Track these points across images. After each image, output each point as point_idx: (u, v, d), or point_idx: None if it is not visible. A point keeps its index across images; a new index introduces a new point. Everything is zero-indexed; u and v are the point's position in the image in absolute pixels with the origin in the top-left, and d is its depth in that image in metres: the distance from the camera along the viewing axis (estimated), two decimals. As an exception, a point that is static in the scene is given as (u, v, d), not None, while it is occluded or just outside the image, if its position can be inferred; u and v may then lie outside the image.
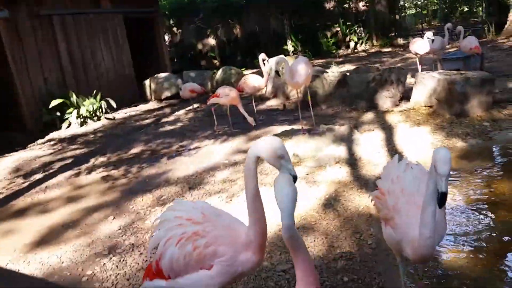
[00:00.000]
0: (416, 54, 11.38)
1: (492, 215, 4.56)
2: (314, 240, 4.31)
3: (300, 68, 6.67)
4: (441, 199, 2.22)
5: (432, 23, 31.19)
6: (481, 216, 4.54)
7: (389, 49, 19.83)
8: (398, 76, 8.95)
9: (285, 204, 2.03)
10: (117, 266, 4.31)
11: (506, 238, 4.12)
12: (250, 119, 8.53)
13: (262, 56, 8.78)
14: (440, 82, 7.73)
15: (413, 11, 34.79)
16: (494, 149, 6.39)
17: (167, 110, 12.44)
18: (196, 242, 2.48)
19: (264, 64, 8.86)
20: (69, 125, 11.14)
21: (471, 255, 3.94)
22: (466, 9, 30.60)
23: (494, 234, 4.21)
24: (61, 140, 10.19)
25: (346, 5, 21.37)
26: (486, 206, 4.75)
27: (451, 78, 7.62)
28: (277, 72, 7.73)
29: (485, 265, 3.78)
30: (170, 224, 2.62)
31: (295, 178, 2.34)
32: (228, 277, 2.48)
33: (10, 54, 10.55)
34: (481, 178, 5.44)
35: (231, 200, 5.49)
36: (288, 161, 2.43)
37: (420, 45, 10.87)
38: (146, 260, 4.20)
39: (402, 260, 2.93)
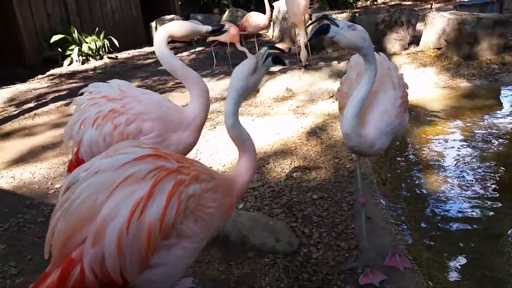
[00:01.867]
0: None
1: (484, 147, 4.28)
2: (291, 163, 4.10)
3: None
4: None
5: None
6: (474, 149, 4.27)
7: (410, 2, 18.96)
8: (408, 17, 8.45)
9: (230, 87, 1.90)
10: (86, 181, 4.19)
11: (491, 166, 3.86)
12: (250, 56, 8.26)
13: None
14: (450, 22, 7.26)
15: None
16: (498, 90, 6.02)
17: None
18: (115, 120, 2.20)
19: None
20: (71, 62, 10.95)
21: (451, 182, 3.70)
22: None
23: (478, 164, 3.95)
24: (60, 76, 10.04)
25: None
26: (481, 140, 4.47)
27: (461, 17, 7.14)
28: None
29: (463, 193, 3.54)
30: (83, 106, 2.30)
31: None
32: None
33: (11, -15, 10.25)
34: (480, 115, 5.12)
35: (214, 128, 5.29)
36: None
37: None
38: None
39: (359, 161, 2.69)
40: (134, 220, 1.41)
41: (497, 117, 5.03)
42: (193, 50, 11.22)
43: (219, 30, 2.53)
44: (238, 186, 1.91)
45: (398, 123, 2.25)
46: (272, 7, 11.72)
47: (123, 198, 1.44)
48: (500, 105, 5.55)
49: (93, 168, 1.52)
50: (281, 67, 8.05)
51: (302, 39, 7.08)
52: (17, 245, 3.16)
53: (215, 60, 9.10)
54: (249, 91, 1.94)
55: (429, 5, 12.53)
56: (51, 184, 4.24)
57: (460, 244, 2.96)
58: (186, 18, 13.32)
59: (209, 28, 2.48)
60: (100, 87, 2.38)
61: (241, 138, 1.91)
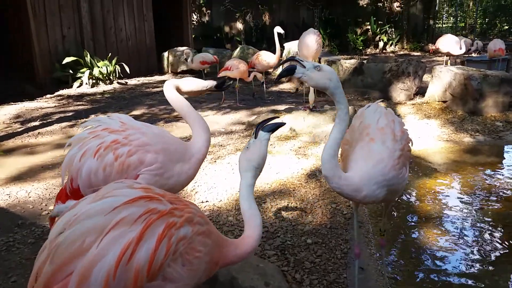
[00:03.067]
0: (447, 54, 10.79)
1: (484, 205, 4.24)
2: (288, 204, 4.07)
3: (309, 40, 6.41)
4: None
5: (469, 37, 30.05)
6: (473, 206, 4.23)
7: (418, 53, 19.30)
8: (416, 69, 8.58)
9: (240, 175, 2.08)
10: (81, 205, 4.16)
11: (489, 225, 3.81)
12: (259, 75, 8.54)
13: (277, 29, 8.52)
14: (457, 77, 7.35)
15: (450, 21, 33.81)
16: (501, 147, 6.01)
17: (180, 82, 12.29)
18: (117, 151, 2.20)
19: (278, 38, 8.61)
20: (81, 84, 11.11)
21: (447, 238, 3.65)
22: (506, 27, 29.61)
23: (477, 221, 3.90)
24: (68, 97, 10.16)
25: (380, 4, 20.81)
26: (481, 197, 4.43)
27: (468, 73, 7.23)
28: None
29: (459, 250, 3.48)
30: (84, 140, 2.30)
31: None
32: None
33: (30, 4, 10.48)
34: (482, 171, 5.10)
35: (215, 161, 5.28)
36: None
37: (453, 44, 10.31)
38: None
39: (356, 210, 2.67)
40: (123, 264, 1.40)
41: (498, 175, 5.01)
42: (202, 83, 11.34)
43: (222, 86, 2.72)
44: (228, 253, 1.88)
45: (395, 176, 2.23)
46: (282, 48, 11.95)
47: (112, 240, 1.42)
48: (502, 163, 5.54)
49: (82, 212, 1.50)
50: (286, 106, 8.14)
51: None
52: (3, 265, 3.11)
53: (223, 95, 9.22)
54: (251, 163, 2.04)
55: (438, 56, 12.69)
56: (45, 205, 4.21)
57: (453, 304, 2.89)
58: (198, 51, 13.55)
59: (214, 83, 2.68)
60: (101, 120, 2.39)
61: (250, 218, 1.98)
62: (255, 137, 2.07)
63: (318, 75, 2.11)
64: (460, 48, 10.26)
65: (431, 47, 11.19)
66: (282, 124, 2.16)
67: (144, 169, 2.23)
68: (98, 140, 2.25)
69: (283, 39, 9.35)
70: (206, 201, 4.21)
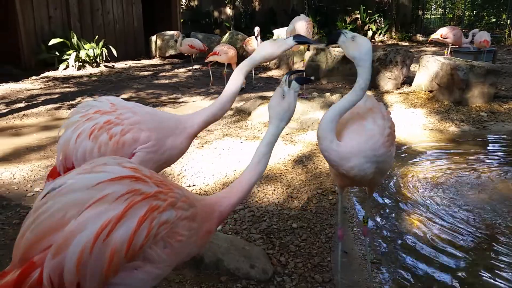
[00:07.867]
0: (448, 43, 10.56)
1: (466, 194, 4.32)
2: (274, 189, 4.10)
3: (299, 26, 6.41)
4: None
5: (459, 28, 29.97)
6: (455, 195, 4.30)
7: (406, 43, 19.36)
8: (403, 58, 8.63)
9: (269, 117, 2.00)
10: (67, 187, 4.14)
11: (470, 214, 3.89)
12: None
13: (257, 29, 8.43)
14: (444, 67, 7.42)
15: (439, 12, 33.94)
16: (485, 137, 6.10)
17: (168, 67, 12.22)
18: (111, 131, 2.19)
19: (256, 38, 8.53)
20: (67, 67, 10.96)
21: (430, 225, 3.72)
22: (493, 20, 29.84)
23: (459, 209, 3.98)
24: (54, 79, 10.03)
25: (370, -7, 20.78)
26: (463, 186, 4.51)
27: (455, 63, 7.30)
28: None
29: (441, 237, 3.56)
30: (77, 123, 2.27)
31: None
32: (151, 166, 2.24)
33: (15, -16, 10.29)
34: (465, 160, 5.19)
35: (202, 146, 5.29)
36: None
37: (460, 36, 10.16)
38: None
39: (341, 193, 2.70)
40: (100, 239, 1.39)
41: (481, 165, 5.10)
42: (191, 68, 11.28)
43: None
44: (221, 208, 1.86)
45: (384, 153, 2.26)
46: (271, 34, 11.91)
47: (93, 216, 1.41)
48: (485, 153, 5.62)
49: (67, 184, 1.50)
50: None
51: None
52: (-13, 246, 3.10)
53: (212, 79, 9.20)
54: (287, 113, 1.97)
55: (426, 46, 12.63)
56: (31, 186, 4.19)
57: (434, 288, 2.96)
58: (187, 35, 13.40)
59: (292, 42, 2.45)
60: (91, 104, 2.38)
61: (259, 163, 1.91)
62: (289, 86, 1.98)
63: (351, 45, 2.22)
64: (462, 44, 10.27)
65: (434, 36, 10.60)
66: (312, 81, 2.29)
67: (139, 147, 2.24)
68: (91, 122, 2.24)
69: (275, 25, 9.28)
70: (193, 185, 4.22)
